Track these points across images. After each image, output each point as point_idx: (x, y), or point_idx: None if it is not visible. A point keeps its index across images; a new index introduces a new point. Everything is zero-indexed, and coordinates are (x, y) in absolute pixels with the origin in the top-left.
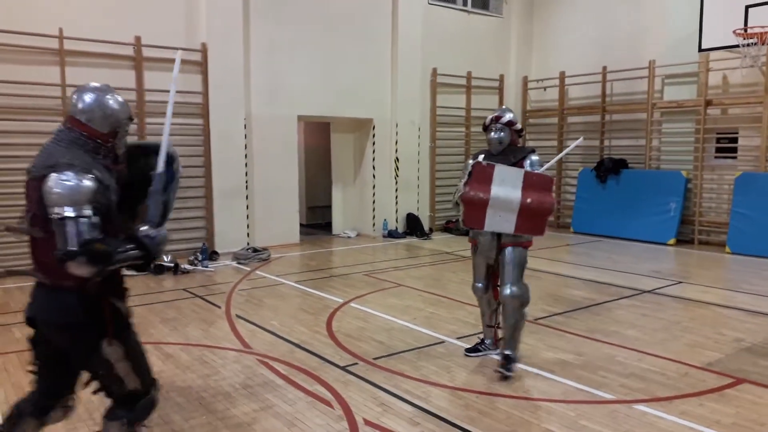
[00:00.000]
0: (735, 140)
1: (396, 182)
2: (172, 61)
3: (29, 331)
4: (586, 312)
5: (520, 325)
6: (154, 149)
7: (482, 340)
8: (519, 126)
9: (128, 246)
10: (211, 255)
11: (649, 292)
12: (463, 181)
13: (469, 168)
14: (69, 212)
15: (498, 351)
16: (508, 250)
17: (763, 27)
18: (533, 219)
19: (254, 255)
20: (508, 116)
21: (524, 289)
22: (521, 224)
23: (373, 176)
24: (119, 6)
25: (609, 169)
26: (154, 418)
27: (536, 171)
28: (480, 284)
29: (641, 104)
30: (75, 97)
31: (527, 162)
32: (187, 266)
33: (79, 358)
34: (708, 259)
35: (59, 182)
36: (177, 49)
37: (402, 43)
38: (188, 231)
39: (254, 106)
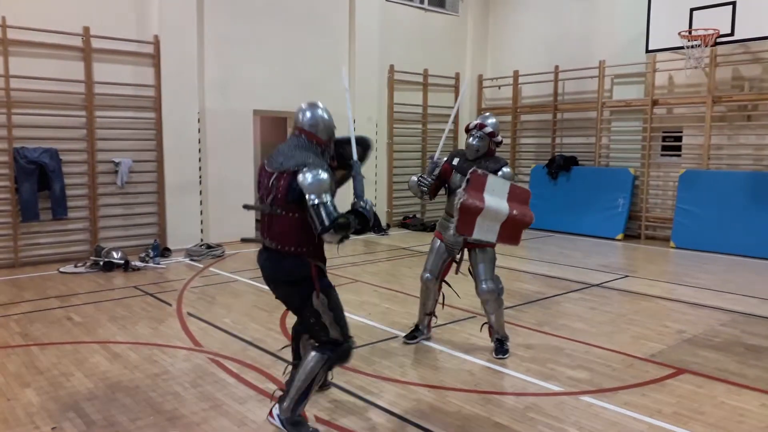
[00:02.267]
0: (680, 139)
1: (321, 175)
2: (123, 52)
3: None
4: (536, 306)
5: (501, 312)
6: (346, 141)
7: (417, 326)
8: (499, 138)
9: (354, 217)
10: (163, 251)
11: (597, 285)
12: (462, 187)
13: (437, 169)
14: (323, 199)
15: (493, 338)
16: (479, 251)
17: (706, 29)
18: (513, 230)
19: (208, 251)
20: (490, 127)
21: (497, 281)
22: (503, 234)
23: None
24: None
25: (560, 166)
26: (99, 420)
27: (515, 183)
28: (429, 275)
29: (591, 103)
30: (302, 114)
31: (500, 174)
32: (138, 263)
33: (298, 308)
34: (653, 253)
35: (315, 177)
36: (128, 40)
37: (359, 39)
38: (139, 227)
39: (208, 99)
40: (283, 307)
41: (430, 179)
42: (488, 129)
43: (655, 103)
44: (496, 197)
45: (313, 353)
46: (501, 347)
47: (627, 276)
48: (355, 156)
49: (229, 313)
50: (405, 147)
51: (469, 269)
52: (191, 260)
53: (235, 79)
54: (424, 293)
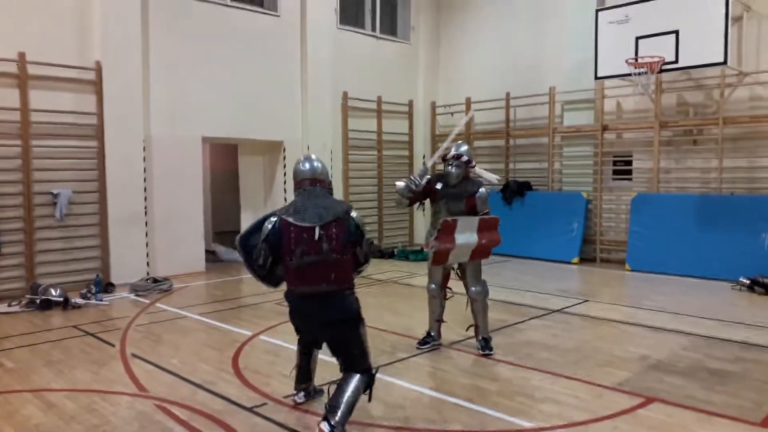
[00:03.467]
0: (630, 163)
1: None
2: (63, 79)
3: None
4: (499, 334)
5: (487, 312)
6: None
7: (429, 333)
8: (473, 163)
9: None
10: (107, 287)
11: (557, 311)
12: (433, 236)
13: (426, 177)
14: (368, 234)
15: (479, 338)
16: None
17: (652, 57)
18: (483, 250)
19: (154, 286)
20: (465, 156)
21: (484, 284)
22: (474, 256)
23: (285, 200)
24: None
25: (514, 191)
26: None
27: (483, 209)
28: (434, 285)
29: (543, 129)
30: (310, 165)
31: (477, 195)
32: (79, 300)
33: (349, 342)
34: (610, 276)
35: (360, 217)
36: (68, 67)
37: (312, 65)
38: (80, 261)
39: (154, 126)
40: (235, 346)
41: (421, 182)
42: (464, 158)
43: (605, 128)
44: (465, 234)
45: (355, 378)
46: (487, 344)
47: (586, 300)
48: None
49: (177, 353)
50: (361, 174)
51: (457, 273)
52: (136, 296)
53: (183, 105)
54: (432, 302)
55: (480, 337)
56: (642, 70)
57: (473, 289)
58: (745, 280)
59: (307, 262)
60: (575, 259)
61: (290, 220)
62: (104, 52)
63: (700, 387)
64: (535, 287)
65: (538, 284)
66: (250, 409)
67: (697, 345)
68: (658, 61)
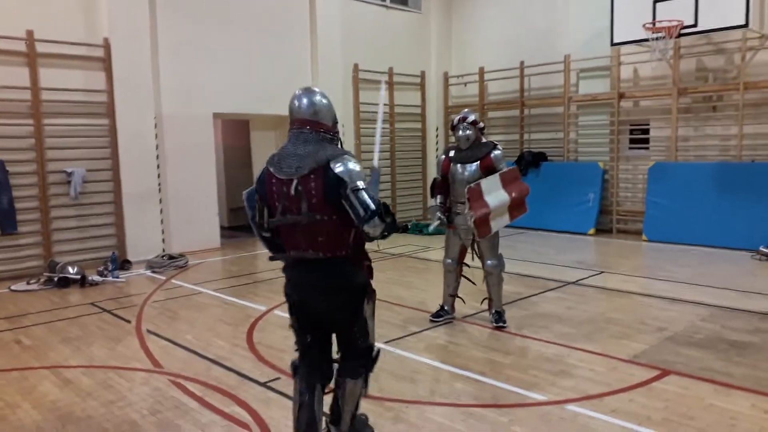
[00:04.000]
0: (647, 131)
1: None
2: (71, 56)
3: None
4: (513, 307)
5: (501, 286)
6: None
7: (442, 307)
8: (482, 124)
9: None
10: (123, 264)
11: (573, 283)
12: (467, 207)
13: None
14: (363, 185)
15: (492, 311)
16: None
17: (670, 21)
18: (519, 205)
19: (170, 262)
20: (472, 116)
21: (501, 258)
22: (513, 214)
23: None
24: None
25: (529, 162)
26: None
27: (502, 168)
28: (450, 260)
29: (558, 98)
30: (298, 102)
31: (492, 156)
32: (96, 277)
33: (348, 319)
34: (626, 247)
35: (347, 165)
36: (76, 44)
37: (321, 38)
38: (96, 239)
39: (165, 104)
40: (250, 321)
41: (442, 218)
42: (471, 118)
43: (621, 96)
44: (493, 193)
45: (350, 382)
46: (500, 317)
47: (602, 272)
48: (375, 162)
49: (192, 329)
50: (372, 147)
51: (475, 251)
52: (152, 272)
53: (193, 82)
54: (447, 276)
55: (493, 311)
56: (660, 34)
57: (489, 262)
58: (765, 249)
59: (290, 221)
60: (591, 230)
61: (272, 170)
62: (112, 28)
63: (718, 359)
64: (550, 259)
65: (554, 256)
66: (263, 384)
67: (715, 316)
68: (677, 25)
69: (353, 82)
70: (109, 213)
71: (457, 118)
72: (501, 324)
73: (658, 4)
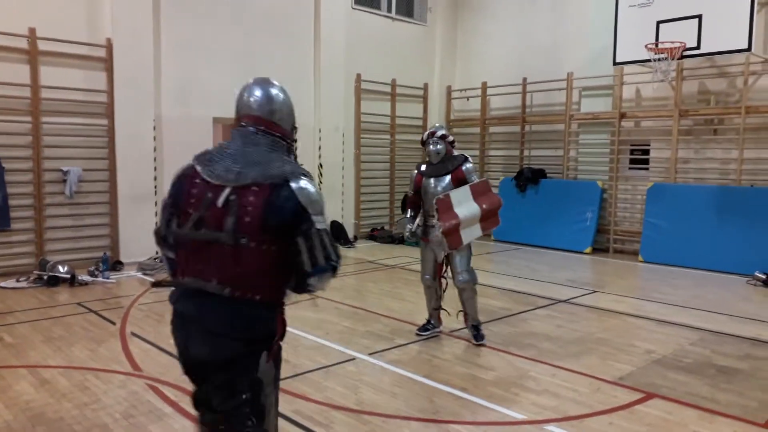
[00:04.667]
0: (647, 152)
1: (320, 189)
2: (73, 56)
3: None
4: (501, 323)
5: (476, 300)
6: None
7: (428, 321)
8: (451, 138)
9: None
10: (115, 265)
11: (564, 301)
12: (435, 218)
13: (413, 178)
14: (323, 224)
15: (469, 325)
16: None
17: (672, 42)
18: (491, 217)
19: (162, 265)
20: (441, 131)
21: (471, 272)
22: (484, 225)
23: None
24: None
25: (528, 178)
26: None
27: (473, 180)
28: (428, 276)
29: (559, 115)
30: (250, 94)
31: (464, 169)
32: (86, 277)
33: (231, 372)
34: (622, 267)
35: (311, 192)
36: (78, 43)
37: (325, 46)
38: (89, 239)
39: (165, 106)
40: None
41: (411, 228)
42: (440, 133)
43: (622, 116)
44: (464, 205)
45: None
46: (478, 333)
47: (595, 291)
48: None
49: None
50: (373, 158)
51: (445, 264)
52: (144, 274)
53: (194, 85)
54: (427, 292)
55: (470, 325)
56: (662, 55)
57: (460, 277)
58: (761, 275)
59: (204, 238)
60: (588, 249)
61: (199, 169)
62: (115, 29)
63: (705, 384)
64: (544, 276)
65: (548, 273)
66: None
67: (705, 340)
68: (679, 47)
69: (355, 91)
70: (103, 213)
71: (426, 133)
72: (480, 341)
73: (662, 25)
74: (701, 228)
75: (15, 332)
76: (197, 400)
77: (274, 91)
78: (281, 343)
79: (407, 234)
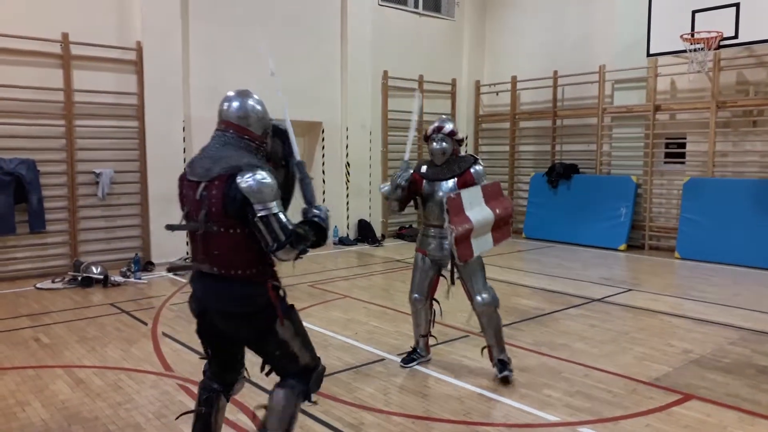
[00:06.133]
0: (683, 145)
1: (347, 188)
2: (104, 59)
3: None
4: (533, 323)
5: (500, 326)
6: (278, 134)
7: (414, 349)
8: (460, 136)
9: (308, 227)
10: (147, 266)
11: (598, 300)
12: (447, 220)
13: (406, 176)
14: (271, 209)
15: (495, 361)
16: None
17: (709, 32)
18: (503, 226)
19: (192, 265)
20: (449, 126)
21: (492, 292)
22: (496, 237)
23: (323, 181)
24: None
25: (560, 174)
26: None
27: (483, 183)
28: (418, 295)
29: (592, 109)
30: (228, 104)
31: (472, 171)
32: (118, 278)
33: (256, 343)
34: (658, 264)
35: (258, 181)
36: (109, 47)
37: (351, 44)
38: (121, 240)
39: (194, 107)
40: None
41: (404, 175)
42: (447, 129)
43: (657, 108)
44: (476, 208)
45: (281, 392)
46: (504, 367)
47: (630, 290)
48: (297, 156)
49: None
50: (400, 155)
51: (454, 280)
52: (175, 275)
53: (223, 86)
54: (416, 315)
55: (496, 360)
56: (698, 46)
57: (479, 298)
58: None
59: (191, 228)
60: (622, 246)
61: (186, 170)
62: (145, 32)
63: (745, 385)
64: (577, 275)
65: (581, 271)
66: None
67: (745, 340)
68: (716, 37)
69: (383, 88)
70: (135, 215)
71: (431, 127)
72: (508, 374)
73: (698, 14)
74: (740, 223)
75: (51, 332)
76: (212, 354)
77: (246, 101)
78: (289, 303)
79: (398, 182)
